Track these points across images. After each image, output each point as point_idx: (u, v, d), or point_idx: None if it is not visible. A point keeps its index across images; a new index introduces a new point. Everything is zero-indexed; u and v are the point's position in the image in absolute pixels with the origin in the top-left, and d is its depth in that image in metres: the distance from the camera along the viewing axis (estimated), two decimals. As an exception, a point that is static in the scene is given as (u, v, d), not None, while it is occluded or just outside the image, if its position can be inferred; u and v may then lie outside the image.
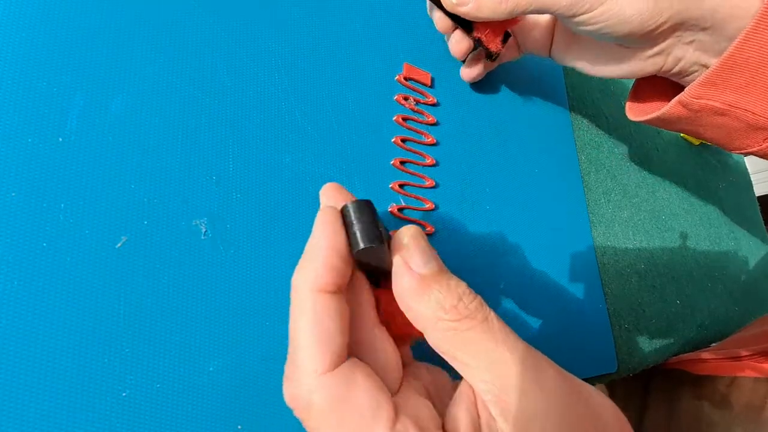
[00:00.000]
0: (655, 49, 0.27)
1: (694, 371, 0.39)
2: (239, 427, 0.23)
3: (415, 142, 0.31)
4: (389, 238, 0.18)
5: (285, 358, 0.24)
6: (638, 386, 0.43)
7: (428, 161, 0.31)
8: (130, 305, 0.22)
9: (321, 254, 0.16)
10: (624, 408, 0.43)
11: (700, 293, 0.44)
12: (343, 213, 0.18)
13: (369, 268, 0.19)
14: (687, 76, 0.29)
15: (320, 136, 0.29)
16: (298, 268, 0.17)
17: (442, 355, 0.18)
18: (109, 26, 0.25)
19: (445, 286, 0.17)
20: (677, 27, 0.26)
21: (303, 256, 0.17)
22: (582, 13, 0.25)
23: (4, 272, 0.20)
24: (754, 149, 0.28)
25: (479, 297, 0.18)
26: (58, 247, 0.21)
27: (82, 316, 0.21)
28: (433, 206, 0.30)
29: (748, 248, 0.53)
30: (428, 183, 0.30)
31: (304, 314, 0.16)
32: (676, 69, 0.28)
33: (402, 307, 0.18)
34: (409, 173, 0.30)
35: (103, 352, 0.21)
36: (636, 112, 0.33)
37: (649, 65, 0.29)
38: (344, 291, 0.18)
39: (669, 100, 0.29)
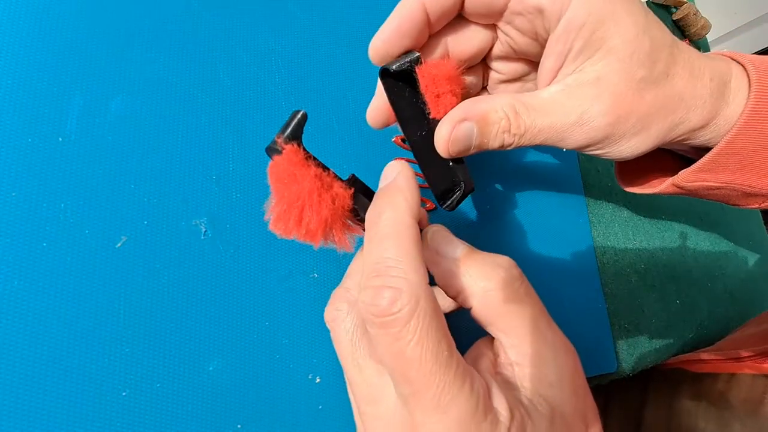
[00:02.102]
0: None
1: (694, 371, 0.39)
2: (239, 426, 0.23)
3: (415, 142, 0.31)
4: None
5: (284, 358, 0.24)
6: (637, 386, 0.43)
7: (428, 161, 0.31)
8: (130, 305, 0.22)
9: (414, 190, 0.19)
10: (623, 407, 0.43)
11: (699, 293, 0.45)
12: None
13: None
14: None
15: (320, 136, 0.29)
16: (385, 203, 0.19)
17: (486, 325, 0.19)
18: (109, 26, 0.25)
19: (480, 261, 0.19)
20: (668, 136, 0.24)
21: (386, 194, 0.19)
22: (597, 151, 0.24)
23: (4, 272, 0.20)
24: (753, 207, 0.28)
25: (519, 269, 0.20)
26: (58, 247, 0.21)
27: (82, 316, 0.21)
28: (433, 206, 0.30)
29: (748, 248, 0.53)
30: (428, 183, 0.30)
31: (406, 235, 0.17)
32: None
33: (452, 295, 0.19)
34: (409, 173, 0.30)
35: (103, 352, 0.21)
36: (627, 182, 0.31)
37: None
38: None
39: (659, 164, 0.28)
